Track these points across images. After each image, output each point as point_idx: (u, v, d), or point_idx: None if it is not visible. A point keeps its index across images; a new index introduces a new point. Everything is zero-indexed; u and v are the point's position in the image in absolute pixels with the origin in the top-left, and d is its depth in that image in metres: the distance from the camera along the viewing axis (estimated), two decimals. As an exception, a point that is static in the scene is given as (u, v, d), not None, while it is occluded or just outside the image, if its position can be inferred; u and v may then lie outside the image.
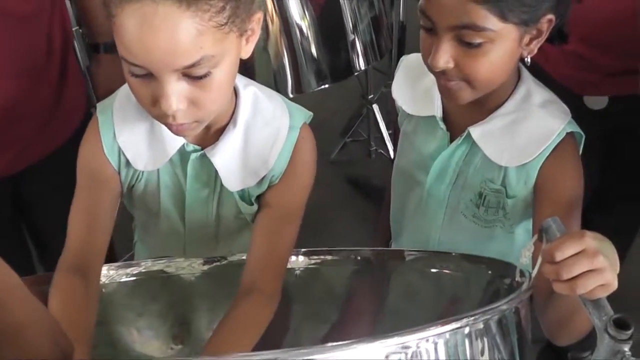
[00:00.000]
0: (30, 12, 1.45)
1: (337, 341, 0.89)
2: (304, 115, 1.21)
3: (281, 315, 1.16)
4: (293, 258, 1.27)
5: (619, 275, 0.91)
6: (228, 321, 1.11)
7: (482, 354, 0.88)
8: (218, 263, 1.30)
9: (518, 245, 1.30)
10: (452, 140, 1.27)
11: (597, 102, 1.61)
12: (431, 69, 1.14)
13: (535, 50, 1.14)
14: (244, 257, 1.20)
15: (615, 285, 0.89)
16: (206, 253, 1.30)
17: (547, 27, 1.11)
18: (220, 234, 1.30)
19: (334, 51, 2.04)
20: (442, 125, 1.27)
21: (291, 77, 2.00)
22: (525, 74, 1.23)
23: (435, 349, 0.83)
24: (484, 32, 1.06)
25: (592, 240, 0.89)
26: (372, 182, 2.95)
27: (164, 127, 1.10)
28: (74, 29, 1.69)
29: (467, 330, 0.86)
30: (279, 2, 1.91)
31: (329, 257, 1.31)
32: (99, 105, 1.21)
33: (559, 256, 0.88)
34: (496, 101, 1.21)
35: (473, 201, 1.28)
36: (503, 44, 1.08)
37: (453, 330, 0.85)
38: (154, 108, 1.02)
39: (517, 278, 1.05)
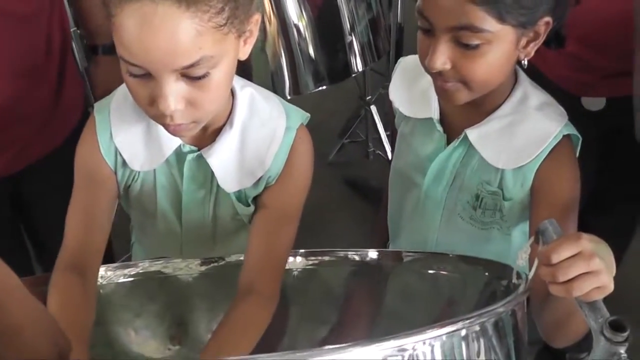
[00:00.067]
0: (29, 13, 1.46)
1: (335, 342, 0.90)
2: (300, 116, 1.21)
3: (279, 316, 1.16)
4: (291, 259, 1.27)
5: (616, 277, 0.92)
6: (227, 323, 1.11)
7: (479, 356, 0.88)
8: (216, 264, 1.30)
9: (515, 247, 1.31)
10: (449, 142, 1.27)
11: (594, 104, 1.61)
12: (428, 70, 1.14)
13: (532, 53, 1.14)
14: (242, 258, 1.20)
15: (611, 287, 0.89)
16: (203, 254, 1.31)
17: (544, 30, 1.12)
18: (217, 234, 1.30)
19: (331, 52, 2.04)
20: (439, 127, 1.27)
21: (289, 78, 2.00)
22: (522, 76, 1.23)
23: (432, 351, 0.83)
24: (482, 34, 1.06)
25: (588, 242, 0.89)
26: (370, 183, 2.94)
27: (160, 127, 1.10)
28: (72, 30, 1.69)
29: (463, 332, 0.87)
30: (276, 3, 1.91)
31: (326, 258, 1.31)
32: (96, 106, 1.21)
33: (555, 258, 0.88)
34: (493, 103, 1.21)
35: (470, 203, 1.29)
36: (500, 45, 1.09)
37: (449, 333, 0.85)
38: (151, 108, 1.02)
39: (514, 280, 1.05)
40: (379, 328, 1.31)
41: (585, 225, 1.36)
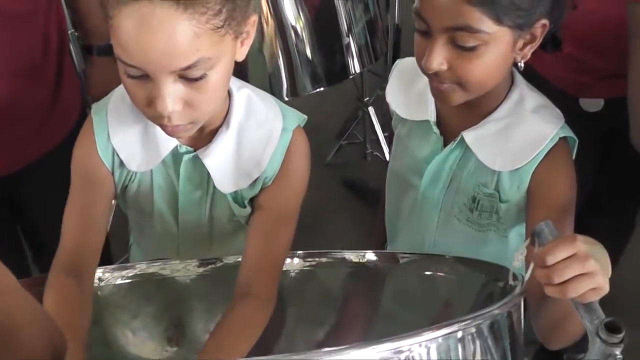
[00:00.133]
0: (26, 12, 1.46)
1: (332, 344, 0.90)
2: (297, 117, 1.21)
3: (276, 317, 1.16)
4: (288, 260, 1.27)
5: (612, 279, 0.92)
6: (224, 325, 1.11)
7: (474, 357, 0.88)
8: (213, 265, 1.30)
9: (512, 249, 1.31)
10: (445, 144, 1.27)
11: (592, 105, 1.61)
12: (425, 70, 1.14)
13: (529, 56, 1.14)
14: (239, 259, 1.20)
15: (606, 288, 0.90)
16: (200, 254, 1.31)
17: (541, 32, 1.12)
18: (214, 235, 1.30)
19: (329, 54, 2.05)
20: (435, 129, 1.27)
21: (286, 80, 2.00)
22: (519, 78, 1.24)
23: (428, 353, 0.84)
24: (478, 35, 1.07)
25: (583, 244, 0.89)
26: (367, 184, 2.95)
27: (157, 128, 1.10)
28: (69, 32, 1.69)
29: (459, 334, 0.87)
30: (274, 4, 1.91)
31: (324, 260, 1.31)
32: (94, 106, 1.21)
33: (551, 260, 0.89)
34: (489, 106, 1.22)
35: (467, 205, 1.29)
36: (497, 47, 1.09)
37: (445, 335, 0.85)
38: (149, 109, 1.02)
39: (510, 281, 1.06)
40: (376, 329, 1.32)
41: (583, 227, 1.37)
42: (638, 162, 1.40)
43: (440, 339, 0.85)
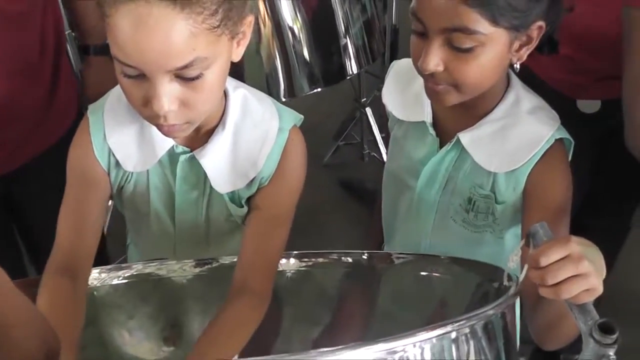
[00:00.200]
0: (23, 12, 1.46)
1: (328, 344, 0.90)
2: (293, 117, 1.21)
3: (272, 317, 1.16)
4: (284, 261, 1.28)
5: (608, 280, 0.92)
6: (217, 322, 1.11)
7: (468, 357, 0.89)
8: (209, 265, 1.30)
9: (508, 250, 1.31)
10: (441, 145, 1.27)
11: (589, 106, 1.62)
12: (421, 71, 1.14)
13: (525, 57, 1.15)
14: (236, 260, 1.20)
15: (600, 289, 0.90)
16: (197, 255, 1.31)
17: (537, 34, 1.12)
18: (211, 235, 1.30)
19: (326, 55, 2.05)
20: (431, 131, 1.27)
21: (284, 81, 2.00)
22: (515, 80, 1.24)
23: (422, 353, 0.84)
24: (475, 36, 1.07)
25: (577, 245, 0.90)
26: (365, 185, 2.96)
27: (154, 128, 1.11)
28: (66, 32, 1.69)
29: (453, 335, 0.87)
30: (271, 5, 1.91)
31: (320, 260, 1.31)
32: (91, 107, 1.21)
33: (544, 261, 0.89)
34: (485, 107, 1.22)
35: (462, 206, 1.29)
36: (493, 48, 1.09)
37: (439, 335, 0.86)
38: (145, 109, 1.02)
39: (505, 282, 1.06)
40: (372, 329, 1.32)
41: (579, 227, 1.37)
42: (634, 163, 1.40)
43: (434, 340, 0.85)
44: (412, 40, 1.15)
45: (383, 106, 1.41)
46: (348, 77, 2.18)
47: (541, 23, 1.10)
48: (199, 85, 1.00)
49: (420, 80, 1.20)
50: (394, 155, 1.41)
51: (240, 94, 1.19)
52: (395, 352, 0.82)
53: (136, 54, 0.95)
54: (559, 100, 1.35)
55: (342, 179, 3.04)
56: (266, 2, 1.92)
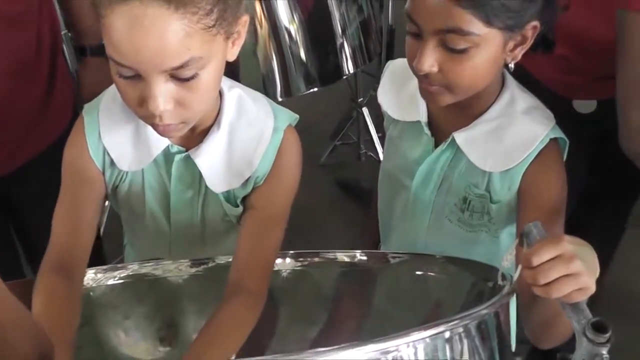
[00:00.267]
0: (19, 12, 1.46)
1: (324, 343, 0.90)
2: (289, 117, 1.22)
3: (268, 317, 1.16)
4: (280, 260, 1.27)
5: (604, 279, 0.92)
6: (213, 323, 1.11)
7: (462, 357, 0.89)
8: (205, 265, 1.30)
9: (503, 250, 1.31)
10: (437, 145, 1.27)
11: (585, 106, 1.62)
12: (415, 72, 1.15)
13: (520, 57, 1.15)
14: (232, 259, 1.20)
15: (592, 289, 0.90)
16: (192, 254, 1.31)
17: (532, 34, 1.12)
18: (207, 235, 1.30)
19: (322, 55, 2.05)
20: (427, 130, 1.27)
21: (280, 81, 2.01)
22: (510, 79, 1.24)
23: (415, 353, 0.84)
24: (469, 37, 1.07)
25: (569, 245, 0.90)
26: (361, 185, 2.96)
27: (149, 128, 1.11)
28: (62, 33, 1.69)
29: (447, 334, 0.88)
30: (267, 6, 1.92)
31: (316, 260, 1.31)
32: (86, 107, 1.21)
33: (536, 261, 0.89)
34: (480, 107, 1.22)
35: (458, 206, 1.29)
36: (487, 49, 1.09)
37: (433, 335, 0.86)
38: (141, 109, 1.03)
39: (499, 281, 1.06)
40: (368, 329, 1.32)
41: (575, 227, 1.37)
42: (630, 163, 1.40)
43: (427, 339, 0.85)
44: (407, 41, 1.15)
45: (379, 106, 1.41)
46: (344, 77, 2.18)
47: (536, 23, 1.11)
48: (194, 85, 1.01)
49: (415, 80, 1.20)
50: (390, 155, 1.42)
51: (235, 94, 1.19)
52: (388, 352, 0.82)
53: (131, 54, 0.96)
54: (554, 100, 1.35)
55: (339, 178, 3.04)
56: (263, 3, 1.92)
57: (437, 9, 1.06)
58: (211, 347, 1.06)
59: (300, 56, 2.00)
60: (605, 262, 1.89)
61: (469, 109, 1.22)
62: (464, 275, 1.22)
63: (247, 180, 1.19)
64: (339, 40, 2.06)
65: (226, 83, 1.18)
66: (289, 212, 1.22)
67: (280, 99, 2.00)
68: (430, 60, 1.11)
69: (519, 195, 1.21)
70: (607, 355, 0.84)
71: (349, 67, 2.11)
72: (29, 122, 1.55)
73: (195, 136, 1.17)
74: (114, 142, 1.19)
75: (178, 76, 0.98)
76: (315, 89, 2.06)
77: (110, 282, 1.28)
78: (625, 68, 1.31)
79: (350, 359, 0.81)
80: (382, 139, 2.67)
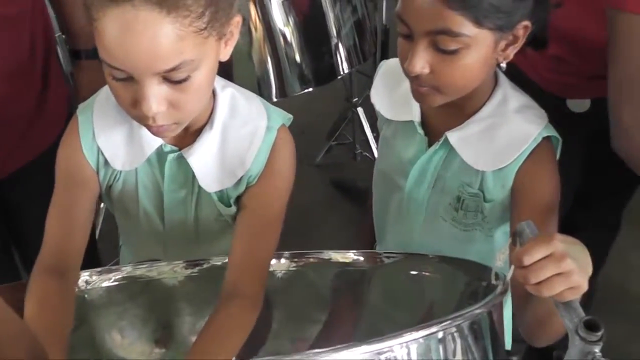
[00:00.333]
0: (12, 15, 1.46)
1: (319, 344, 0.90)
2: (282, 117, 1.22)
3: (263, 318, 1.16)
4: (274, 261, 1.27)
5: (600, 277, 0.93)
6: (212, 325, 1.10)
7: (455, 356, 0.89)
8: (200, 266, 1.30)
9: (497, 248, 1.32)
10: (430, 145, 1.27)
11: (579, 105, 1.62)
12: (407, 73, 1.15)
13: (511, 56, 1.15)
14: (227, 260, 1.20)
15: (584, 287, 0.90)
16: (187, 254, 1.31)
17: (523, 33, 1.12)
18: (201, 235, 1.30)
19: (317, 55, 2.06)
20: (420, 130, 1.27)
21: (275, 81, 2.01)
22: (502, 78, 1.24)
23: (408, 353, 0.84)
24: (459, 38, 1.07)
25: (560, 243, 0.90)
26: (357, 184, 2.96)
27: (143, 127, 1.11)
28: (56, 35, 1.69)
29: (440, 335, 0.88)
30: (262, 9, 1.92)
31: (311, 260, 1.32)
32: (80, 106, 1.22)
33: (527, 260, 0.89)
34: (473, 106, 1.22)
35: (452, 205, 1.29)
36: (478, 49, 1.09)
37: (425, 336, 0.86)
38: (134, 110, 1.03)
39: (493, 281, 1.06)
40: (363, 329, 1.32)
41: (570, 225, 1.37)
42: (624, 161, 1.41)
43: (420, 340, 0.86)
44: (399, 42, 1.15)
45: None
46: (339, 77, 2.19)
47: (527, 23, 1.11)
48: (187, 86, 1.01)
49: (408, 80, 1.21)
50: (384, 155, 1.42)
51: (229, 93, 1.19)
52: (381, 353, 0.82)
53: (124, 57, 0.96)
54: (548, 99, 1.35)
55: (335, 178, 3.04)
56: (257, 7, 1.92)
57: (427, 10, 1.06)
58: (208, 353, 1.06)
59: (295, 57, 2.00)
60: (599, 261, 1.90)
61: (461, 109, 1.22)
62: (458, 274, 1.22)
63: (240, 180, 1.19)
64: (334, 41, 2.06)
65: (219, 83, 1.18)
66: (284, 213, 1.21)
67: (275, 100, 2.00)
68: (421, 62, 1.11)
69: (512, 194, 1.21)
70: (600, 354, 0.85)
71: (343, 67, 2.12)
72: (23, 126, 1.55)
73: (189, 136, 1.18)
74: (108, 142, 1.19)
75: (170, 78, 0.99)
76: (310, 89, 2.06)
77: (105, 284, 1.28)
78: (616, 68, 1.31)
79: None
80: (377, 139, 2.65)
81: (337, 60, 2.09)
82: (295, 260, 1.31)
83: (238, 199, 1.23)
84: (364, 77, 2.92)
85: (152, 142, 1.18)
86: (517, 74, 1.30)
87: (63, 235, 1.17)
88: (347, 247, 1.34)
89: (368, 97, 2.92)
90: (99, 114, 1.19)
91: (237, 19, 1.06)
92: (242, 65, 1.96)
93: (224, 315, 1.11)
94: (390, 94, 1.35)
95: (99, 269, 1.29)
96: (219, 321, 1.11)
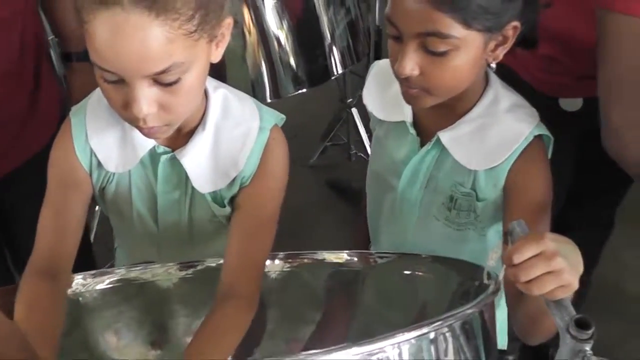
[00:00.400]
0: (4, 17, 1.46)
1: (313, 345, 0.90)
2: (275, 117, 1.22)
3: (257, 319, 1.16)
4: (269, 262, 1.27)
5: (593, 276, 0.93)
6: (207, 325, 1.11)
7: (447, 356, 0.89)
8: (194, 268, 1.30)
9: (491, 247, 1.32)
10: (422, 145, 1.28)
11: (571, 104, 1.62)
12: (397, 75, 1.15)
13: (501, 57, 1.15)
14: (221, 261, 1.20)
15: (575, 286, 0.91)
16: (182, 255, 1.31)
17: (512, 34, 1.13)
18: (195, 236, 1.30)
19: (311, 56, 2.06)
20: (412, 130, 1.28)
21: (269, 83, 2.01)
22: (494, 78, 1.25)
23: (400, 354, 0.85)
24: (449, 40, 1.07)
25: (551, 242, 0.90)
26: (352, 185, 2.96)
27: (135, 129, 1.11)
28: (50, 38, 1.69)
29: (432, 335, 0.88)
30: (255, 12, 1.92)
31: (305, 261, 1.32)
32: (73, 109, 1.22)
33: (517, 259, 0.90)
34: (464, 106, 1.23)
35: (445, 205, 1.30)
36: (468, 51, 1.10)
37: (417, 337, 0.86)
38: (125, 112, 1.03)
39: (485, 280, 1.07)
40: (357, 329, 1.32)
41: (563, 223, 1.38)
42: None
43: (412, 340, 0.86)
44: (390, 44, 1.16)
45: (367, 107, 1.42)
46: (333, 77, 2.19)
47: (516, 23, 1.11)
48: (178, 89, 1.01)
49: None
50: (376, 156, 1.42)
51: (221, 94, 1.19)
52: (373, 354, 0.83)
53: (114, 60, 0.96)
54: (540, 98, 1.35)
55: (329, 179, 3.05)
56: (251, 10, 1.92)
57: (416, 13, 1.07)
58: (204, 353, 1.06)
59: (289, 58, 2.00)
60: (592, 260, 1.91)
61: (453, 109, 1.22)
62: (451, 274, 1.22)
63: (233, 181, 1.19)
64: (327, 42, 2.07)
65: (211, 84, 1.18)
66: (278, 213, 1.21)
67: (269, 101, 2.01)
68: (410, 64, 1.11)
69: (505, 193, 1.22)
70: (591, 352, 0.85)
71: (337, 67, 2.12)
72: (15, 127, 1.55)
73: (181, 137, 1.18)
74: (101, 144, 1.19)
75: (161, 81, 0.99)
76: (304, 90, 2.06)
77: (99, 286, 1.28)
78: (605, 68, 1.32)
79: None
80: (372, 139, 2.67)
81: (331, 61, 2.10)
82: (289, 261, 1.31)
83: (232, 200, 1.23)
84: (358, 77, 2.92)
85: (145, 144, 1.18)
86: (508, 74, 1.30)
87: (55, 237, 1.17)
88: (342, 248, 1.35)
89: (362, 98, 2.94)
90: (92, 116, 1.19)
91: (228, 21, 1.06)
92: (235, 68, 1.96)
93: (220, 315, 1.12)
94: (382, 95, 1.35)
95: (92, 272, 1.29)
96: (214, 321, 1.11)
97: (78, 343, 1.25)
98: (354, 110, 2.94)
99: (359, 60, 2.21)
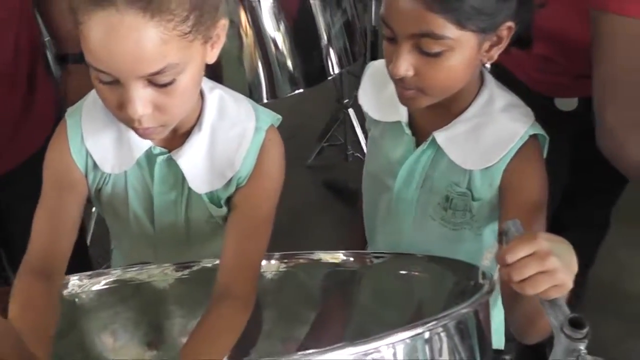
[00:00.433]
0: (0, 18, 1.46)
1: (309, 345, 0.90)
2: (271, 117, 1.22)
3: (253, 319, 1.16)
4: (264, 262, 1.27)
5: (590, 275, 0.93)
6: (203, 326, 1.11)
7: (441, 356, 0.89)
8: (190, 269, 1.30)
9: (486, 247, 1.32)
10: (418, 145, 1.28)
11: (567, 104, 1.63)
12: (391, 76, 1.15)
13: (496, 57, 1.15)
14: (217, 262, 1.20)
15: (569, 285, 0.91)
16: (178, 256, 1.31)
17: (507, 34, 1.13)
18: (192, 237, 1.30)
19: (307, 56, 2.06)
20: (407, 130, 1.28)
21: (265, 83, 2.01)
22: (489, 78, 1.25)
23: (395, 354, 0.85)
24: (443, 40, 1.08)
25: (544, 242, 0.90)
26: (349, 185, 2.96)
27: (131, 130, 1.11)
28: (45, 40, 1.69)
29: (427, 335, 0.88)
30: (252, 14, 1.92)
31: (301, 261, 1.32)
32: (69, 110, 1.22)
33: (510, 258, 0.90)
34: (460, 106, 1.23)
35: (440, 204, 1.30)
36: (462, 51, 1.10)
37: (412, 337, 0.86)
38: (120, 112, 1.03)
39: (480, 280, 1.07)
40: (353, 329, 1.33)
41: (558, 222, 1.38)
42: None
43: (407, 340, 0.86)
44: (384, 45, 1.16)
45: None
46: (329, 78, 2.19)
47: (510, 24, 1.11)
48: (173, 90, 1.01)
49: None
50: (372, 156, 1.42)
51: (217, 95, 1.19)
52: (368, 354, 0.83)
53: (108, 60, 0.97)
54: (536, 98, 1.35)
55: (326, 180, 3.05)
56: (247, 12, 1.93)
57: (410, 13, 1.07)
58: (200, 353, 1.06)
59: (285, 60, 2.01)
60: (588, 259, 1.91)
61: (448, 109, 1.23)
62: (446, 274, 1.22)
63: (229, 181, 1.20)
64: (324, 43, 2.07)
65: (207, 84, 1.18)
66: (274, 214, 1.22)
67: (266, 101, 2.01)
68: (405, 65, 1.11)
69: (500, 193, 1.22)
70: (585, 351, 0.85)
71: (333, 68, 2.12)
72: (10, 128, 1.55)
73: (178, 137, 1.18)
74: (96, 145, 1.19)
75: (156, 82, 0.99)
76: (301, 90, 2.07)
77: (96, 287, 1.28)
78: (600, 68, 1.32)
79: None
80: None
81: (327, 62, 2.10)
82: (285, 261, 1.32)
83: (229, 200, 1.23)
84: (355, 78, 2.92)
85: (141, 145, 1.18)
86: (504, 74, 1.30)
87: (49, 237, 1.17)
88: (339, 248, 1.35)
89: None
90: (88, 117, 1.19)
91: (224, 22, 1.06)
92: (232, 69, 1.96)
93: (216, 315, 1.12)
94: (378, 95, 1.35)
95: (89, 273, 1.30)
96: (210, 322, 1.11)
97: (74, 344, 1.25)
98: (351, 111, 2.94)
99: (356, 60, 2.21)
